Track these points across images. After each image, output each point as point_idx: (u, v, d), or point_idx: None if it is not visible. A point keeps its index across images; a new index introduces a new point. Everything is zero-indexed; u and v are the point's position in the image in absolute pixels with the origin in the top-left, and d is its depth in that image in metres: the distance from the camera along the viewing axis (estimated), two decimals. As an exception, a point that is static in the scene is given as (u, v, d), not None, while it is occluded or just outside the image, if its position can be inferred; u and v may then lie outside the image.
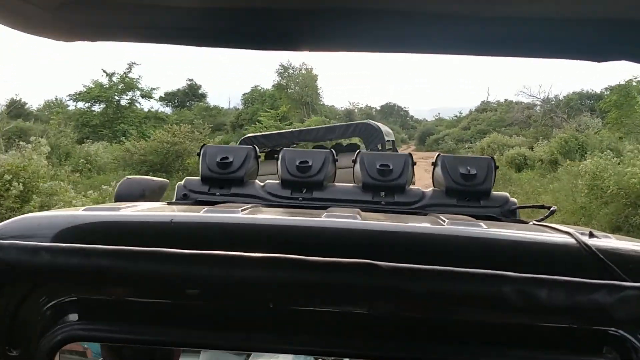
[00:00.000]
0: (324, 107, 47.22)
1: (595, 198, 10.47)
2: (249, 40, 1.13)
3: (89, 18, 1.05)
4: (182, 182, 2.33)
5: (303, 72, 44.10)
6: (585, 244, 1.14)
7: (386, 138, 7.62)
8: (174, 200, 2.25)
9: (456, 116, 56.67)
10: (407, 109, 75.18)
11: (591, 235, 1.27)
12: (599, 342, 1.04)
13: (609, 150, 12.46)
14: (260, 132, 30.44)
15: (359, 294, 0.94)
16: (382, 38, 1.07)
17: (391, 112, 68.57)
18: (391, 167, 2.24)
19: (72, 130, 25.14)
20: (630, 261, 1.14)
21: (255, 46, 1.20)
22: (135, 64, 27.82)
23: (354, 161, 2.36)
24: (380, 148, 7.05)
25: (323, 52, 1.15)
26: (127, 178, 2.56)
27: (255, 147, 2.39)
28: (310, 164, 2.27)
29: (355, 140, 9.25)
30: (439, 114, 69.51)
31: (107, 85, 28.00)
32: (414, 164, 2.33)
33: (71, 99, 28.51)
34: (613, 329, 1.02)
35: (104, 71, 28.12)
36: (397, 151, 7.19)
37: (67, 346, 1.22)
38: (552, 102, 32.88)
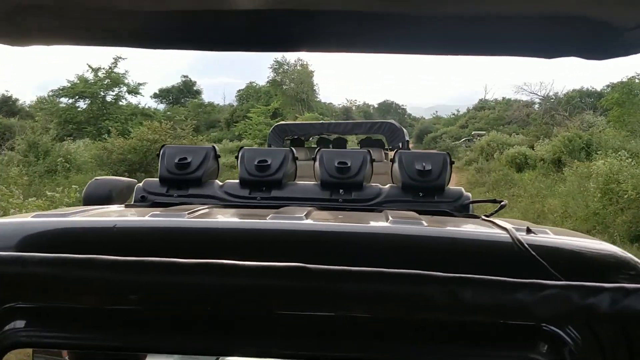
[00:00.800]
0: (320, 104, 46.60)
1: (610, 203, 9.47)
2: (243, 42, 1.18)
3: (44, 22, 1.06)
4: (140, 184, 2.31)
5: (298, 68, 43.47)
6: (519, 241, 1.18)
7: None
8: (132, 202, 2.23)
9: (454, 114, 56.69)
10: (404, 107, 74.77)
11: (528, 231, 1.30)
12: (532, 337, 1.06)
13: (623, 151, 11.48)
14: (250, 128, 30.19)
15: (291, 297, 0.95)
16: (370, 39, 1.14)
17: (389, 110, 68.02)
18: (349, 165, 2.24)
19: (54, 127, 24.24)
20: (561, 257, 1.21)
21: (250, 48, 1.24)
22: (121, 58, 26.61)
23: (314, 159, 2.36)
24: (400, 146, 7.38)
25: (319, 52, 1.23)
26: (95, 179, 2.58)
27: (214, 147, 2.38)
28: (269, 162, 2.24)
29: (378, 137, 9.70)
30: (436, 112, 69.55)
31: (92, 81, 26.78)
32: (372, 161, 2.35)
33: (54, 95, 27.33)
34: (544, 324, 1.05)
35: (89, 66, 26.88)
36: (409, 150, 7.79)
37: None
38: (552, 100, 32.31)
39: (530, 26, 1.06)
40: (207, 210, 1.73)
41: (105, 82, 26.93)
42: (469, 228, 1.60)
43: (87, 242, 1.30)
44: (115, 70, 27.07)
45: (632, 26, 1.04)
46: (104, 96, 26.92)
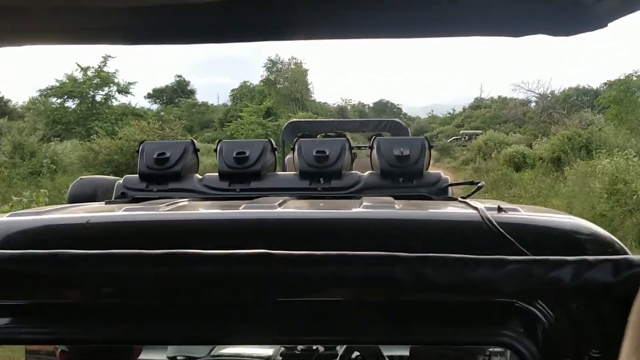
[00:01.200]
0: (315, 103, 46.25)
1: (618, 205, 9.04)
2: (236, 32, 1.19)
3: (23, 22, 1.08)
4: (121, 181, 2.32)
5: (292, 66, 43.05)
6: (488, 219, 1.19)
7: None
8: (112, 199, 2.25)
9: (449, 113, 56.68)
10: (400, 106, 74.26)
11: (499, 209, 1.30)
12: (505, 314, 1.07)
13: (630, 149, 11.04)
14: (242, 128, 29.69)
15: (257, 283, 0.97)
16: (336, 24, 1.14)
17: (384, 109, 67.63)
18: (327, 153, 2.26)
19: (43, 127, 23.70)
20: (530, 234, 1.21)
21: (243, 38, 1.26)
22: (110, 56, 25.93)
23: (293, 149, 2.39)
24: None
25: (309, 40, 1.21)
26: (80, 178, 2.63)
27: (193, 141, 2.43)
28: (247, 154, 2.27)
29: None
30: (432, 111, 69.60)
31: (81, 80, 26.15)
32: (351, 148, 2.37)
33: (42, 95, 26.72)
34: (514, 300, 1.05)
35: (78, 65, 26.20)
36: None
37: (35, 347, 1.42)
38: (549, 98, 32.07)
39: (497, 5, 1.08)
40: (183, 203, 1.75)
41: (94, 82, 26.32)
42: (442, 209, 1.65)
43: (61, 239, 1.31)
44: (105, 69, 26.48)
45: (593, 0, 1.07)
46: (94, 96, 26.32)
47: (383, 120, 8.90)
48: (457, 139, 37.72)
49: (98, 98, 26.57)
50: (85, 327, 1.15)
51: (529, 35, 1.17)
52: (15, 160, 15.45)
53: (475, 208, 1.31)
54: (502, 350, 1.11)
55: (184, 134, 20.36)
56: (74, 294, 1.05)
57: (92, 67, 26.29)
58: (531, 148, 21.59)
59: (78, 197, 2.38)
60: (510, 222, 1.20)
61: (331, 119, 13.91)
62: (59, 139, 20.64)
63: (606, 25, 1.14)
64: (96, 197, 2.38)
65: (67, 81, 25.96)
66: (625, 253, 1.12)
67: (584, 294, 1.02)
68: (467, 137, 37.32)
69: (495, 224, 1.16)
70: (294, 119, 10.04)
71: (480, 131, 38.18)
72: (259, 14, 1.08)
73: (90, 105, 25.88)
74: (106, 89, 26.79)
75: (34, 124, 24.19)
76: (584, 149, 16.92)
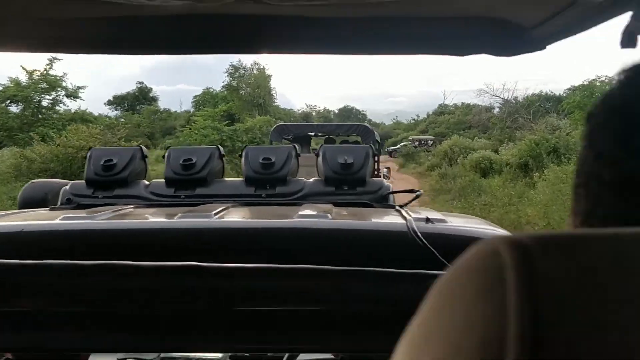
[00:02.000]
0: (279, 109, 45.42)
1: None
2: (205, 45, 1.25)
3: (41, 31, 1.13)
4: (67, 187, 2.31)
5: (255, 72, 42.09)
6: (414, 231, 1.25)
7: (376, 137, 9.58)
8: (58, 205, 2.20)
9: (414, 119, 56.87)
10: (365, 112, 74.28)
11: (427, 220, 1.38)
12: None
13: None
14: (197, 133, 28.47)
15: (187, 295, 0.97)
16: (330, 41, 1.21)
17: (349, 116, 67.39)
18: (273, 160, 2.28)
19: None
20: (453, 245, 1.25)
21: (212, 50, 1.33)
22: (56, 59, 24.00)
23: (240, 155, 2.41)
24: (372, 144, 8.47)
25: (276, 54, 1.62)
26: (32, 182, 2.60)
27: (141, 148, 2.41)
28: (194, 161, 2.27)
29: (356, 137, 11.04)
30: (396, 117, 69.77)
31: (26, 84, 24.27)
32: (297, 155, 2.39)
33: (-19, 99, 24.83)
34: None
35: (23, 68, 24.24)
36: (380, 150, 9.80)
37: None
38: (513, 103, 32.08)
39: (444, 26, 1.14)
40: (125, 211, 1.76)
41: (40, 85, 24.53)
42: (374, 219, 1.75)
43: None
44: (52, 72, 24.64)
45: (533, 24, 1.13)
46: (39, 100, 24.54)
47: (354, 125, 10.50)
48: (405, 145, 36.88)
49: (45, 103, 24.82)
50: (26, 336, 1.15)
51: (473, 54, 1.20)
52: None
53: (405, 218, 1.38)
54: None
55: (127, 140, 19.00)
56: (8, 303, 1.02)
57: (38, 71, 24.50)
58: (497, 153, 21.23)
59: (28, 201, 2.37)
60: (434, 233, 1.26)
61: (312, 123, 15.37)
62: (-4, 146, 19.07)
63: (545, 48, 1.19)
64: (47, 201, 2.34)
65: (11, 85, 24.13)
66: None
67: None
68: (417, 143, 36.74)
69: (420, 235, 1.21)
70: (280, 123, 11.06)
71: (432, 137, 37.92)
72: (233, 27, 1.09)
73: (35, 110, 24.11)
74: (53, 93, 25.00)
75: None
76: (553, 153, 16.50)
